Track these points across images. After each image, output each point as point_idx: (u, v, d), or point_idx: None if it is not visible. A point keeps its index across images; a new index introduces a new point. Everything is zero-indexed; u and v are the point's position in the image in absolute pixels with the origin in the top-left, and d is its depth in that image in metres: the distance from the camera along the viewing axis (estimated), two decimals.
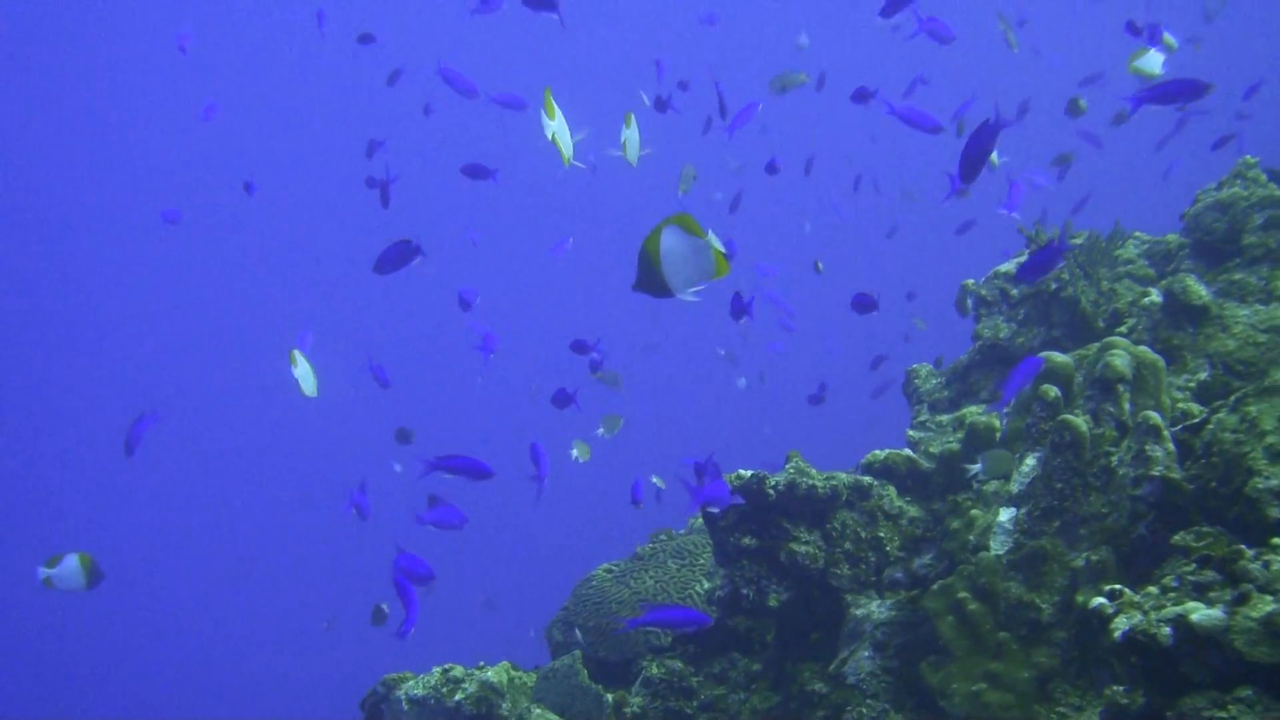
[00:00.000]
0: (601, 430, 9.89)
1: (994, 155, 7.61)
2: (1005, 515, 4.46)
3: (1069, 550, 4.23)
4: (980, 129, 4.32)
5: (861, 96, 6.96)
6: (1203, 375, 5.24)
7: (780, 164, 8.38)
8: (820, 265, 8.77)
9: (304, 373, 6.13)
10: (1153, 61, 6.29)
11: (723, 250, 3.55)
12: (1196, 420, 4.32)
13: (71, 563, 5.35)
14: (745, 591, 5.10)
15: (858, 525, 5.13)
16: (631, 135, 5.72)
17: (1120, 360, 4.50)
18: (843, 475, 5.24)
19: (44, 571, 5.35)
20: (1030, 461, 4.50)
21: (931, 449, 5.59)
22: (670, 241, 3.50)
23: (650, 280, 3.50)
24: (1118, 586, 3.61)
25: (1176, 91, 4.73)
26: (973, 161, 4.41)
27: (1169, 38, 6.72)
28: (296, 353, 6.12)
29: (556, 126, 4.74)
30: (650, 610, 4.32)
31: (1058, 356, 4.79)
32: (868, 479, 5.27)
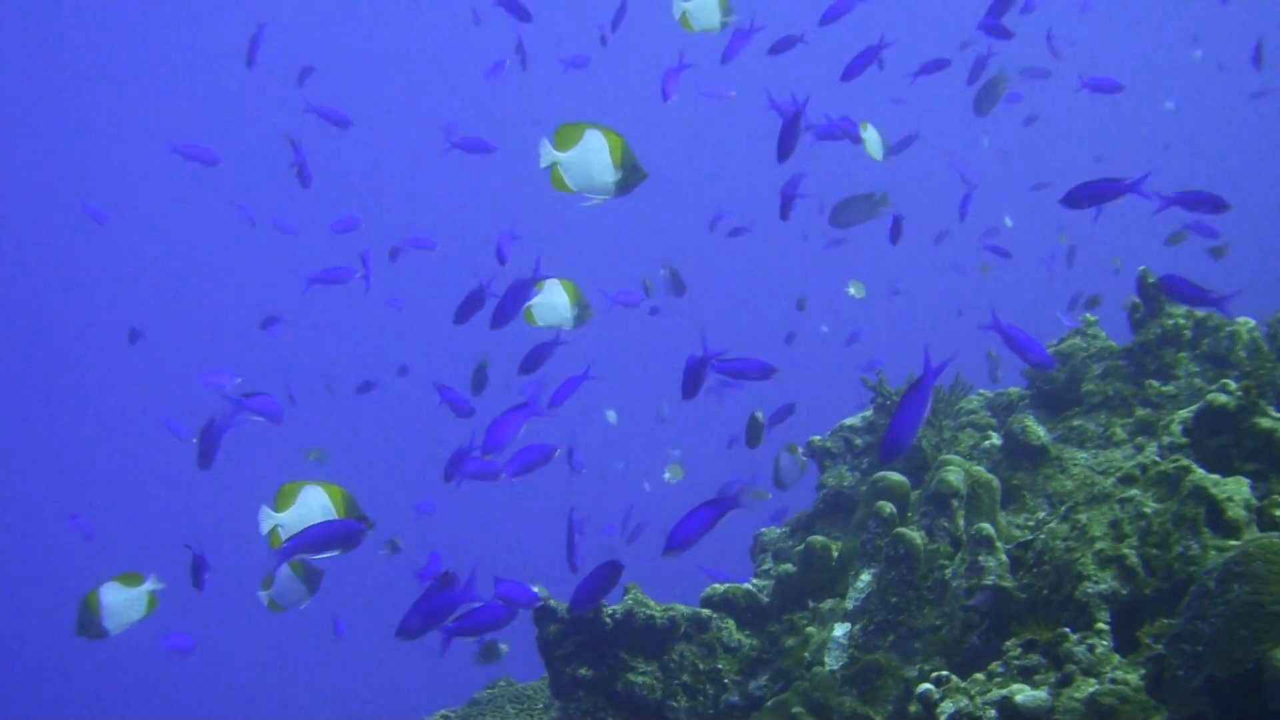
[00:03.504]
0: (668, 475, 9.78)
1: None
2: (840, 631, 4.36)
3: (903, 663, 4.13)
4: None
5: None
6: (1041, 514, 5.25)
7: None
8: (677, 474, 8.77)
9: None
10: None
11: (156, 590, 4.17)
12: (1028, 539, 4.30)
13: (286, 574, 4.48)
14: None
15: (696, 657, 4.98)
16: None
17: (954, 475, 4.50)
18: (681, 607, 5.11)
19: (264, 595, 4.52)
20: (865, 577, 4.43)
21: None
22: (109, 598, 4.09)
23: (88, 631, 4.08)
24: (944, 673, 3.52)
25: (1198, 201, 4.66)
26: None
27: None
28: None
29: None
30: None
31: (894, 475, 4.77)
32: (706, 611, 5.14)
